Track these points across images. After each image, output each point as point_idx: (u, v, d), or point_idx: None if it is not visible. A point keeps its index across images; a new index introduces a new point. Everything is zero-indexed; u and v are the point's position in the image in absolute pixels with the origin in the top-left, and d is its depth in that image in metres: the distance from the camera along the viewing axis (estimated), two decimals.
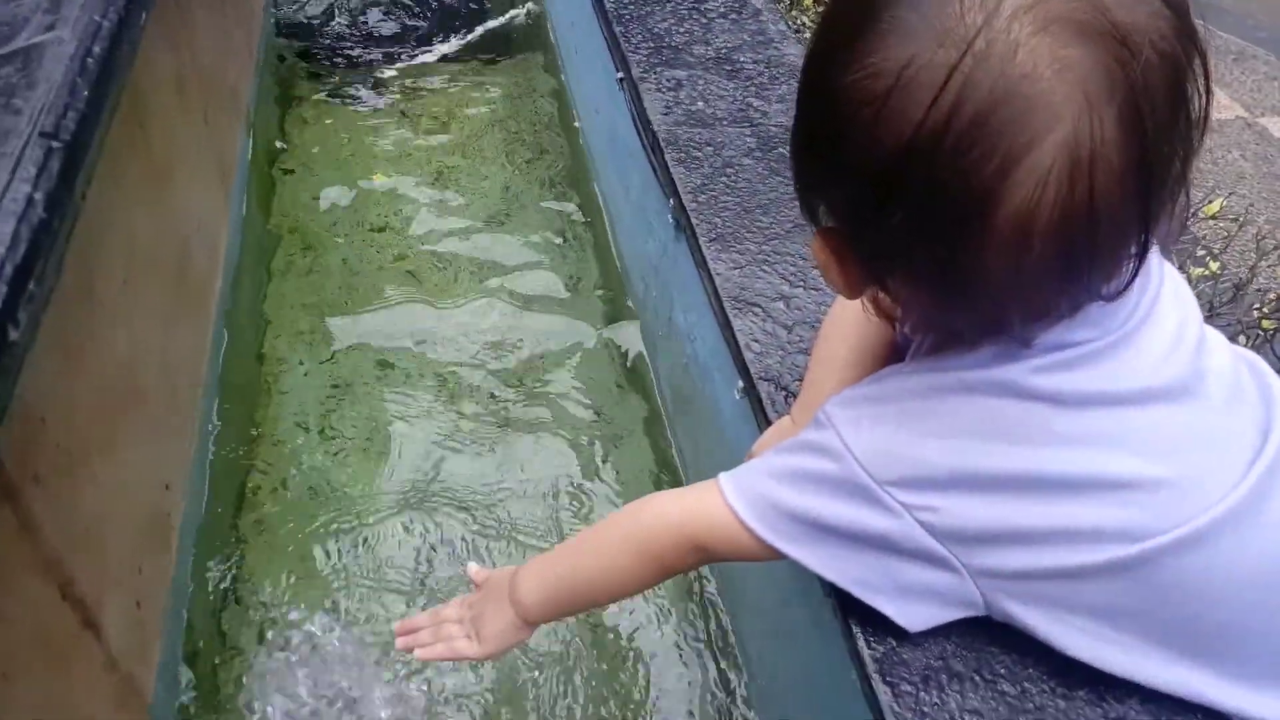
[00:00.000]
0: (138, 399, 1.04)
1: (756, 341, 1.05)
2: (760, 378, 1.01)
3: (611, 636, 1.28)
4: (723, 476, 0.70)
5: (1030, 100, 0.46)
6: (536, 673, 1.24)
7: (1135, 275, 0.53)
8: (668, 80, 1.48)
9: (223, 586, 1.30)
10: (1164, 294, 0.60)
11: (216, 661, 1.21)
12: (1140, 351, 0.57)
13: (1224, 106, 3.34)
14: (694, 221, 1.21)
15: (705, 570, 1.33)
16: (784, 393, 0.98)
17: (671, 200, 1.29)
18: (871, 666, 0.71)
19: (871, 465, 0.60)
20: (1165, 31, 0.47)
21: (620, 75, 1.56)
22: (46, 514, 0.72)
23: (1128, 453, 0.57)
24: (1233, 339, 1.77)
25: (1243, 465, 0.58)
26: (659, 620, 1.30)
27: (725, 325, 1.08)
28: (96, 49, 0.83)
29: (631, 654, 1.27)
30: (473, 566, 0.90)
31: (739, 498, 0.67)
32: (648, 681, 1.24)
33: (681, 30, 1.61)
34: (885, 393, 0.63)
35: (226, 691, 1.18)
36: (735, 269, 1.14)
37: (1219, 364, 0.61)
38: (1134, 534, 0.57)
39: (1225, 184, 2.88)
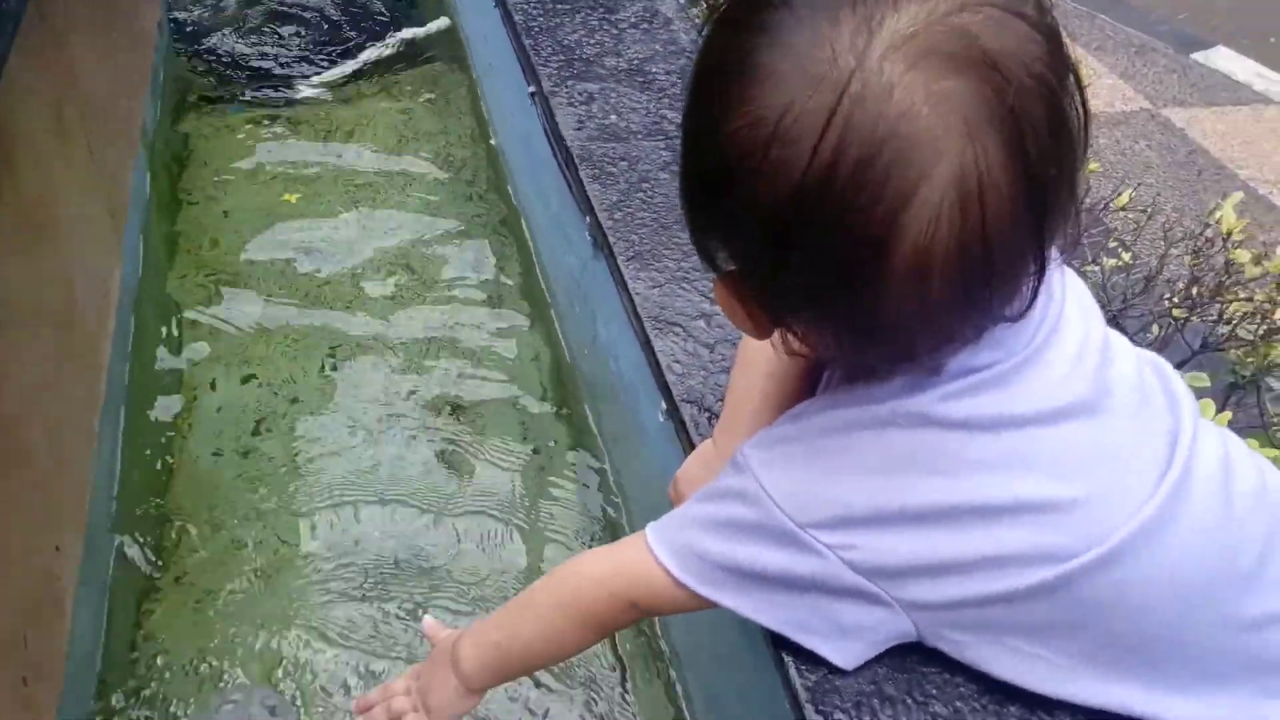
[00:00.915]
0: (20, 460, 0.97)
1: (678, 362, 1.03)
2: (683, 400, 0.99)
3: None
4: (649, 531, 0.69)
5: (911, 138, 0.45)
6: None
7: (1036, 294, 0.53)
8: (580, 94, 1.45)
9: (137, 647, 1.23)
10: (1068, 307, 0.60)
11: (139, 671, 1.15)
12: (1047, 369, 0.57)
13: (1129, 99, 3.46)
14: (611, 240, 1.19)
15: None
16: (707, 414, 0.96)
17: (588, 218, 1.27)
18: (804, 696, 0.70)
19: (790, 508, 0.59)
20: (1037, 54, 0.47)
21: (532, 89, 1.53)
22: None
23: (1041, 474, 0.56)
24: (1146, 329, 1.82)
25: (1154, 478, 0.58)
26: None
27: (646, 345, 1.07)
28: None
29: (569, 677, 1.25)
30: (428, 620, 0.89)
31: (666, 552, 0.67)
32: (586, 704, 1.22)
33: (592, 42, 1.59)
34: (799, 432, 0.62)
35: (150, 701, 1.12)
36: (654, 288, 1.12)
37: (1124, 371, 0.62)
38: (1056, 555, 0.57)
39: (1134, 175, 2.99)
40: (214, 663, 1.22)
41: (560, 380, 1.63)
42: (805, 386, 0.73)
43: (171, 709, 1.18)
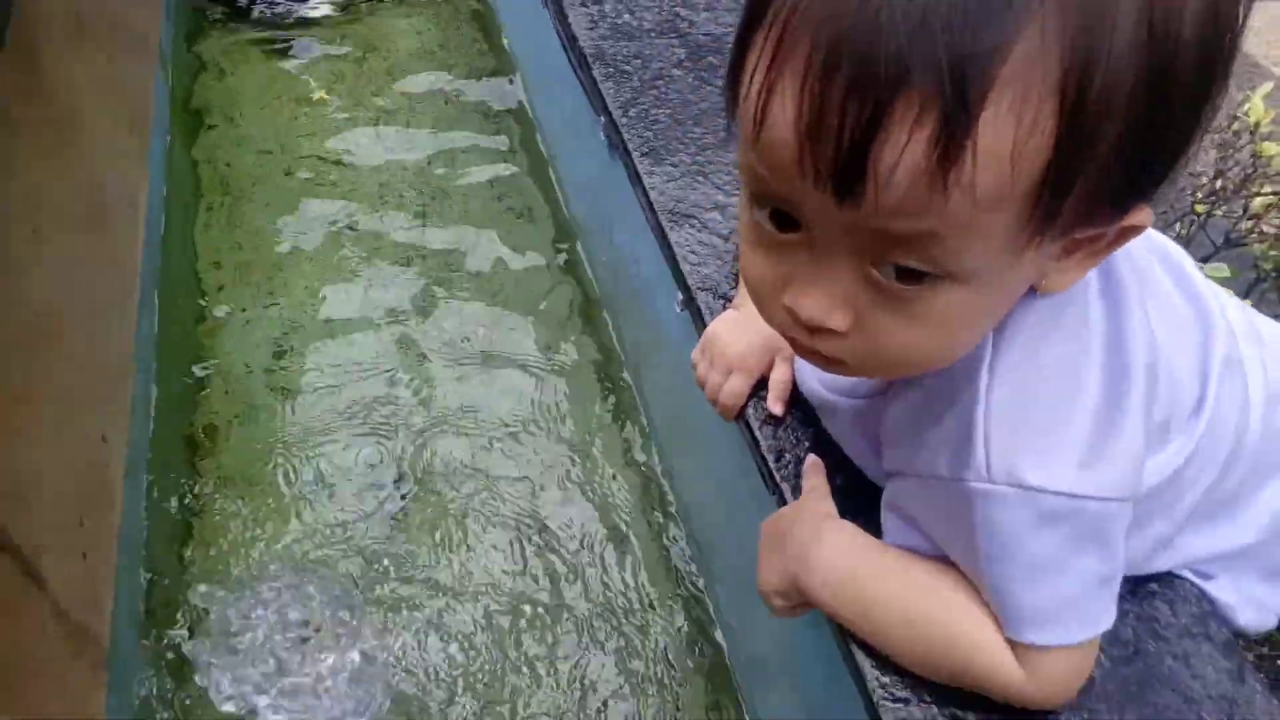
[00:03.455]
0: (62, 352, 1.02)
1: (693, 253, 1.04)
2: (699, 288, 1.01)
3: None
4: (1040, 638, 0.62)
5: None
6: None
7: None
8: None
9: (180, 534, 1.30)
10: None
11: (177, 611, 1.22)
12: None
13: None
14: (625, 137, 1.19)
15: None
16: (721, 301, 0.98)
17: (602, 118, 1.27)
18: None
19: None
20: None
21: None
22: None
23: None
24: (1170, 226, 1.80)
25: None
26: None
27: (662, 239, 1.08)
28: None
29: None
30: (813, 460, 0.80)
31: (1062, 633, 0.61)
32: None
33: None
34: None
35: (185, 640, 1.19)
36: (669, 182, 1.13)
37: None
38: None
39: None
40: (255, 543, 1.29)
41: (582, 291, 1.66)
42: None
43: (216, 578, 1.25)
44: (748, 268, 0.58)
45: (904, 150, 0.44)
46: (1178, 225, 1.83)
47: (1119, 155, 0.46)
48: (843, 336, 0.54)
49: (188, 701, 1.14)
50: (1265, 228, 1.78)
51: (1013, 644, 0.63)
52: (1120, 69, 0.44)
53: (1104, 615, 0.63)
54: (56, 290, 1.05)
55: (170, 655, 1.17)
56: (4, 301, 0.91)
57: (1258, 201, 1.77)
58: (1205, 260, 1.69)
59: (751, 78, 0.49)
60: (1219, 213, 1.87)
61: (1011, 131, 0.44)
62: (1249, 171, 1.78)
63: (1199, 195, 1.94)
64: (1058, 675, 0.63)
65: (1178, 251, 0.71)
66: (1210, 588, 0.76)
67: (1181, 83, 0.45)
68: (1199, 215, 1.88)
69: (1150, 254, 0.67)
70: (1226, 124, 1.93)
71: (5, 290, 0.93)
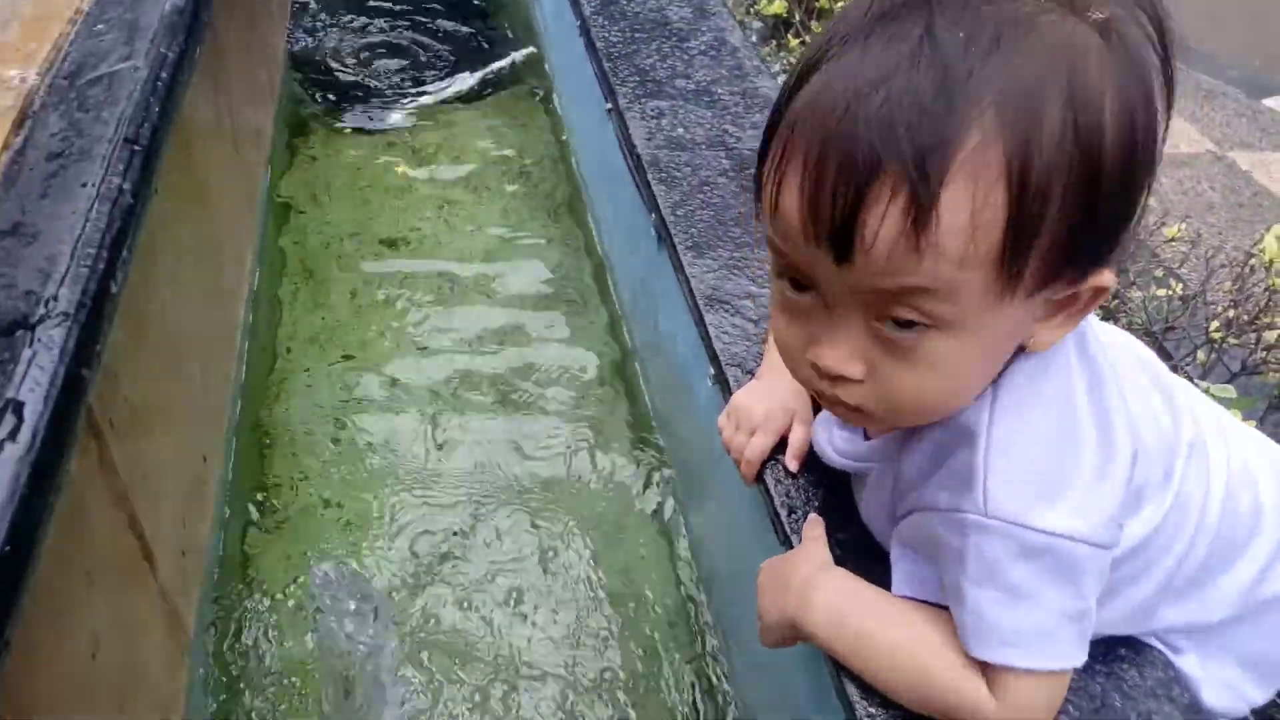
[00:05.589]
0: (183, 378, 1.18)
1: (726, 333, 1.18)
2: (729, 364, 1.14)
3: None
4: (1012, 659, 0.70)
5: None
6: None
7: None
8: (651, 110, 1.63)
9: (250, 549, 1.44)
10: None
11: (241, 613, 1.34)
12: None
13: (1194, 141, 3.51)
14: (673, 233, 1.35)
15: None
16: (748, 376, 1.11)
17: (653, 215, 1.43)
18: None
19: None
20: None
21: (609, 106, 1.71)
22: (118, 455, 0.85)
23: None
24: (1191, 354, 1.89)
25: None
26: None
27: (699, 321, 1.22)
28: (164, 75, 0.98)
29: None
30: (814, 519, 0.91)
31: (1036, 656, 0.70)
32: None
33: (665, 66, 1.76)
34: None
35: (248, 642, 1.31)
36: (709, 273, 1.27)
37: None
38: None
39: (1196, 214, 3.03)
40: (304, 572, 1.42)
41: (622, 371, 1.80)
42: None
43: (280, 582, 1.38)
44: (777, 331, 0.71)
45: (884, 219, 0.57)
46: (1199, 353, 1.92)
47: (1066, 228, 0.58)
48: (860, 384, 0.66)
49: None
50: (1278, 357, 1.86)
51: (987, 670, 0.71)
52: (1053, 161, 0.56)
53: (1073, 652, 0.71)
54: (184, 325, 1.22)
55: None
56: (153, 329, 1.08)
57: (1272, 335, 1.87)
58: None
59: (769, 173, 0.63)
60: (1234, 341, 1.96)
61: (969, 205, 0.56)
62: (1262, 304, 1.88)
63: (1215, 324, 2.04)
64: (1025, 701, 0.71)
65: (1147, 353, 0.82)
66: (1178, 661, 0.84)
67: (1109, 172, 0.57)
68: (1215, 343, 1.97)
69: (1126, 350, 0.78)
70: (1243, 260, 2.04)
71: (156, 319, 1.11)
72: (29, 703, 0.69)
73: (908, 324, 0.61)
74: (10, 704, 0.65)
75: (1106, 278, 0.63)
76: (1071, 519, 0.66)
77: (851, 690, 0.79)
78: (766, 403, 0.98)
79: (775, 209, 0.63)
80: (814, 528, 0.89)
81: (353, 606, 1.27)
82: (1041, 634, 0.69)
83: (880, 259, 0.58)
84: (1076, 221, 0.58)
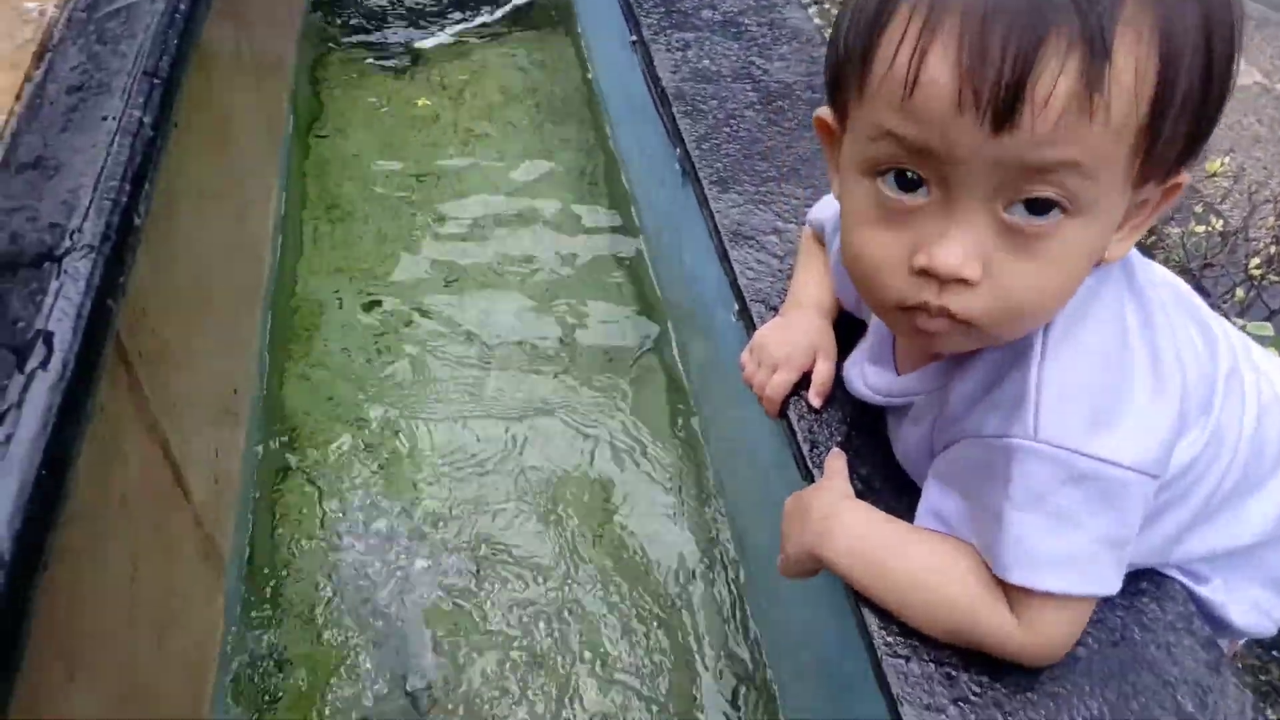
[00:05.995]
0: (211, 311, 1.20)
1: (750, 269, 1.16)
2: (753, 300, 1.12)
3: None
4: (1049, 583, 0.70)
5: None
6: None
7: None
8: (677, 42, 1.59)
9: (280, 479, 1.47)
10: None
11: (274, 542, 1.38)
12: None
13: (1241, 71, 3.37)
14: (698, 166, 1.32)
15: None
16: (771, 312, 1.10)
17: (678, 149, 1.41)
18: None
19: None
20: None
21: (634, 38, 1.67)
22: (148, 385, 0.87)
23: None
24: (1230, 292, 1.85)
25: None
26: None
27: (724, 256, 1.20)
28: (182, 6, 0.97)
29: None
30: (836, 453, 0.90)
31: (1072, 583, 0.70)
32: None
33: None
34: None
35: (282, 570, 1.35)
36: (734, 208, 1.25)
37: None
38: None
39: (1241, 147, 2.93)
40: (341, 499, 1.45)
41: (649, 307, 1.79)
42: None
43: (302, 531, 1.41)
44: (864, 247, 0.66)
45: (1059, 77, 0.54)
46: (1238, 290, 1.88)
47: (1190, 111, 0.59)
48: (973, 289, 0.62)
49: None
50: None
51: (1013, 596, 0.71)
52: (1187, 42, 0.57)
53: (1109, 578, 0.71)
54: (210, 258, 1.23)
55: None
56: (179, 261, 1.10)
57: None
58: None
59: (898, 49, 0.58)
60: (1276, 278, 1.91)
61: (1133, 69, 0.56)
62: None
63: (1255, 261, 1.99)
64: (1050, 628, 0.72)
65: (1186, 288, 0.80)
66: (1204, 590, 0.84)
67: (1219, 69, 0.59)
68: (1255, 279, 1.92)
69: (1164, 286, 0.77)
70: None
71: (183, 258, 1.13)
72: (75, 623, 0.72)
73: (1043, 210, 0.59)
74: (56, 622, 0.68)
75: (1184, 177, 0.63)
76: (1122, 446, 0.66)
77: (870, 620, 0.80)
78: (790, 339, 0.97)
79: (910, 85, 0.58)
80: (835, 461, 0.89)
81: (384, 531, 1.30)
82: (1082, 559, 0.69)
83: (1049, 122, 0.55)
84: (1195, 106, 0.59)
